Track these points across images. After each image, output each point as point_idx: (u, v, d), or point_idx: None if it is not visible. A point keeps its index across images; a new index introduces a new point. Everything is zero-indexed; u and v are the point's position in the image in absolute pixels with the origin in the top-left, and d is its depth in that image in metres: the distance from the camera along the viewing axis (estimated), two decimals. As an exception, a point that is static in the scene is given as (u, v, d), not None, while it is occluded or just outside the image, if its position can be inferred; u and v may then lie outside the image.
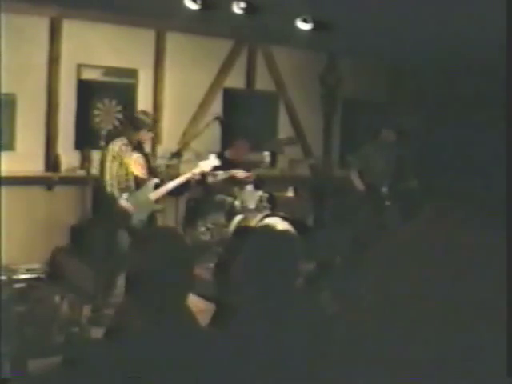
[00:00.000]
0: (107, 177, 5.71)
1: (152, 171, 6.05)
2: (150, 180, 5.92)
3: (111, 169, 5.72)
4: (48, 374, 2.16)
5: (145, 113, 6.09)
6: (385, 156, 7.37)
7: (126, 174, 5.79)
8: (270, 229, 3.05)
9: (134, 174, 5.83)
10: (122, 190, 5.74)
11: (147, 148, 6.35)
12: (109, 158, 5.77)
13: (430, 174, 6.88)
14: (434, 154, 7.55)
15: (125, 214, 5.69)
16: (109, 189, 5.69)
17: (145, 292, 2.20)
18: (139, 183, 5.88)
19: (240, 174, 7.07)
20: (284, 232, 2.65)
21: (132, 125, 5.90)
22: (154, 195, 5.94)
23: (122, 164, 5.76)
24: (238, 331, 2.15)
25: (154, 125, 6.21)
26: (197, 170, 6.18)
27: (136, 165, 5.85)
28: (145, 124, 5.86)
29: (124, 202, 5.70)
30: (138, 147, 5.91)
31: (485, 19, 5.61)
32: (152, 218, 5.98)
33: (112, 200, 5.68)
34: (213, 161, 6.32)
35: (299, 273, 2.39)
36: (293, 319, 2.24)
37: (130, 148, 5.81)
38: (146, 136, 5.95)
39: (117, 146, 5.79)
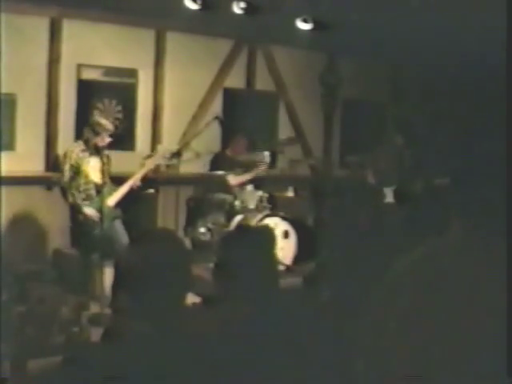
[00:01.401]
0: (67, 187, 5.61)
1: (106, 175, 5.77)
2: (105, 186, 5.70)
3: (70, 178, 5.59)
4: (48, 373, 2.16)
5: (107, 117, 5.96)
6: (394, 158, 7.36)
7: (86, 183, 5.64)
8: (246, 226, 3.06)
9: (94, 182, 5.65)
10: (84, 200, 5.61)
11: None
12: (66, 167, 5.61)
13: (434, 177, 6.87)
14: (435, 155, 7.56)
15: (91, 222, 5.56)
16: (70, 199, 5.59)
17: (143, 293, 2.20)
18: (99, 190, 5.69)
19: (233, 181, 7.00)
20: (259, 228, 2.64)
21: (92, 129, 5.69)
22: (111, 201, 5.74)
23: (80, 173, 5.60)
24: (237, 330, 2.15)
25: (115, 129, 5.98)
26: (151, 164, 5.97)
27: (94, 171, 5.66)
28: (105, 129, 5.68)
29: (88, 209, 5.58)
30: (95, 151, 5.69)
31: (485, 19, 5.61)
32: (113, 225, 5.74)
33: (76, 209, 5.57)
34: (166, 149, 6.11)
35: (277, 271, 2.38)
36: (282, 316, 2.24)
37: (87, 154, 5.63)
38: (104, 140, 5.71)
39: (74, 153, 5.64)
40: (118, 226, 5.78)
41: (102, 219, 5.57)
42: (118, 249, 5.51)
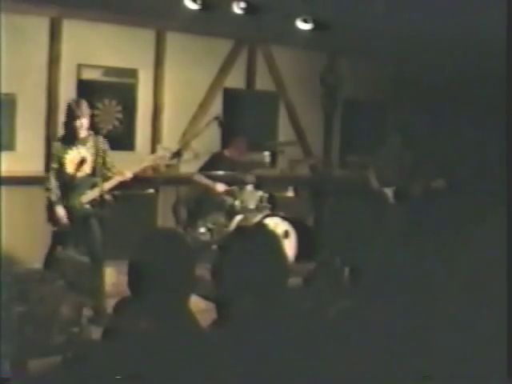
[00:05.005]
0: (50, 180, 5.38)
1: (100, 166, 5.44)
2: (86, 179, 5.42)
3: (54, 170, 5.39)
4: (48, 374, 2.16)
5: (76, 102, 5.45)
6: (394, 158, 7.34)
7: (66, 177, 5.38)
8: (252, 228, 3.05)
9: (71, 174, 5.37)
10: (61, 193, 5.38)
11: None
12: (51, 156, 5.45)
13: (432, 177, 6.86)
14: (435, 155, 7.55)
15: (59, 223, 5.36)
16: (49, 195, 5.36)
17: (146, 293, 2.20)
18: (76, 183, 5.40)
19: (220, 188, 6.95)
20: (267, 231, 2.63)
21: (66, 115, 5.41)
22: (86, 198, 5.41)
23: (60, 165, 5.37)
24: (238, 331, 2.15)
25: (86, 111, 5.41)
26: (141, 166, 5.60)
27: (71, 163, 5.38)
28: (76, 111, 5.30)
29: (59, 208, 5.35)
30: (80, 140, 5.38)
31: (485, 19, 5.61)
32: (84, 224, 5.41)
33: (50, 206, 5.36)
34: (161, 154, 5.84)
35: (288, 271, 2.36)
36: (287, 318, 2.24)
37: (67, 146, 5.36)
38: (80, 124, 5.32)
39: (55, 145, 5.44)
40: (94, 225, 5.44)
41: (72, 218, 5.36)
42: (92, 249, 5.41)
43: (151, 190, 7.56)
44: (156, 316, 2.16)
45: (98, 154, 5.43)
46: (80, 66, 7.25)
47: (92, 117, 5.55)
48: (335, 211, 2.61)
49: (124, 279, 2.34)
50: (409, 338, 1.73)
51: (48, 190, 5.39)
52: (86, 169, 5.42)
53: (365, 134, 8.59)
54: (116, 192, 5.84)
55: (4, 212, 6.19)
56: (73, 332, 4.28)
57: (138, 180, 5.73)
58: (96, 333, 4.18)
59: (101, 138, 5.50)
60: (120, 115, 7.59)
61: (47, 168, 7.03)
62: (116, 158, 6.10)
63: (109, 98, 7.50)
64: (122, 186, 5.56)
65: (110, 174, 5.47)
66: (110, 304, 5.25)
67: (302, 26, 7.32)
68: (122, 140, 7.47)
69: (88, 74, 7.35)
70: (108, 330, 2.47)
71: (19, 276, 5.96)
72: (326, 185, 8.59)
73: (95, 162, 5.42)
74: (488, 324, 1.62)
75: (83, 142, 5.41)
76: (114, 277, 5.79)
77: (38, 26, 6.91)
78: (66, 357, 3.16)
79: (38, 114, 6.99)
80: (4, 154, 6.52)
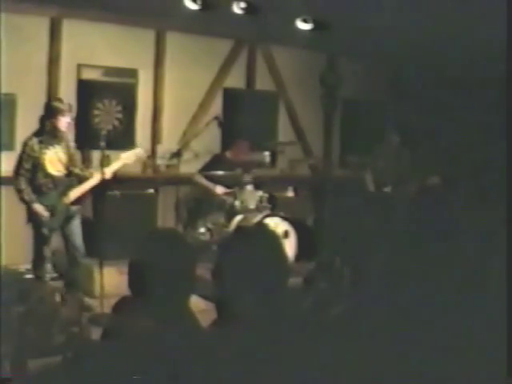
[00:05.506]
0: (21, 181, 5.25)
1: (72, 166, 5.42)
2: (65, 179, 5.38)
3: (26, 170, 5.26)
4: (48, 373, 2.16)
5: (59, 100, 5.52)
6: (392, 158, 7.35)
7: (44, 177, 5.30)
8: (250, 228, 3.05)
9: (53, 175, 5.32)
10: (38, 195, 5.27)
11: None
12: (24, 156, 5.28)
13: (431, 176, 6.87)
14: (434, 154, 7.55)
15: (38, 220, 5.26)
16: (21, 195, 5.26)
17: (147, 293, 2.20)
18: (55, 183, 5.34)
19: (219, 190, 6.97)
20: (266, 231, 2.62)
21: (46, 113, 5.35)
22: (71, 196, 5.37)
23: (37, 165, 5.28)
24: (238, 331, 2.15)
25: (69, 109, 5.46)
26: (118, 164, 5.52)
27: (51, 164, 5.31)
28: (58, 109, 5.29)
29: (37, 205, 5.24)
30: (57, 139, 5.34)
31: (485, 19, 5.62)
32: (68, 223, 5.39)
33: (27, 205, 5.26)
34: (137, 152, 5.74)
35: (288, 271, 2.36)
36: (288, 318, 2.23)
37: (44, 145, 5.29)
38: (62, 122, 5.32)
39: (30, 144, 5.30)
40: (75, 225, 5.45)
41: (53, 217, 5.30)
42: (71, 250, 5.38)
43: (151, 190, 7.56)
44: (156, 316, 2.16)
45: (69, 152, 5.43)
46: (80, 66, 7.25)
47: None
48: (335, 211, 2.61)
49: (124, 279, 2.34)
50: (409, 337, 1.73)
51: (20, 190, 5.29)
52: (62, 168, 5.40)
53: (365, 133, 8.60)
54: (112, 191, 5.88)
55: (4, 212, 6.19)
56: (73, 332, 4.28)
57: (116, 179, 5.71)
58: (96, 333, 4.18)
59: (70, 136, 5.52)
60: (120, 115, 7.59)
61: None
62: (116, 158, 6.10)
63: (109, 98, 7.50)
64: (102, 184, 5.54)
65: (78, 171, 5.46)
66: (109, 304, 5.26)
67: (302, 26, 7.32)
68: (121, 140, 7.47)
69: (88, 74, 7.35)
70: (108, 330, 2.47)
71: (19, 276, 5.96)
72: (326, 185, 8.59)
73: (69, 161, 5.42)
74: (488, 324, 1.63)
75: (59, 140, 5.38)
76: (114, 277, 5.79)
77: (38, 26, 6.91)
78: (65, 357, 3.16)
79: (38, 114, 6.97)
80: (4, 154, 6.52)
